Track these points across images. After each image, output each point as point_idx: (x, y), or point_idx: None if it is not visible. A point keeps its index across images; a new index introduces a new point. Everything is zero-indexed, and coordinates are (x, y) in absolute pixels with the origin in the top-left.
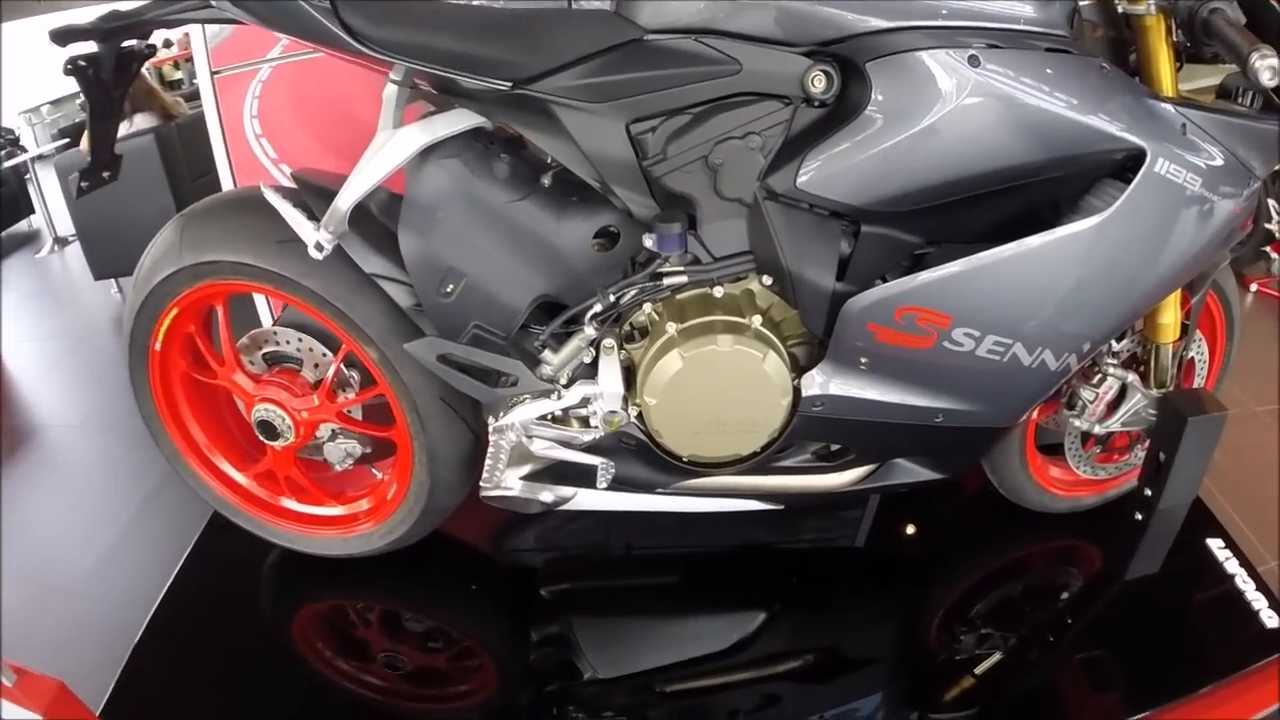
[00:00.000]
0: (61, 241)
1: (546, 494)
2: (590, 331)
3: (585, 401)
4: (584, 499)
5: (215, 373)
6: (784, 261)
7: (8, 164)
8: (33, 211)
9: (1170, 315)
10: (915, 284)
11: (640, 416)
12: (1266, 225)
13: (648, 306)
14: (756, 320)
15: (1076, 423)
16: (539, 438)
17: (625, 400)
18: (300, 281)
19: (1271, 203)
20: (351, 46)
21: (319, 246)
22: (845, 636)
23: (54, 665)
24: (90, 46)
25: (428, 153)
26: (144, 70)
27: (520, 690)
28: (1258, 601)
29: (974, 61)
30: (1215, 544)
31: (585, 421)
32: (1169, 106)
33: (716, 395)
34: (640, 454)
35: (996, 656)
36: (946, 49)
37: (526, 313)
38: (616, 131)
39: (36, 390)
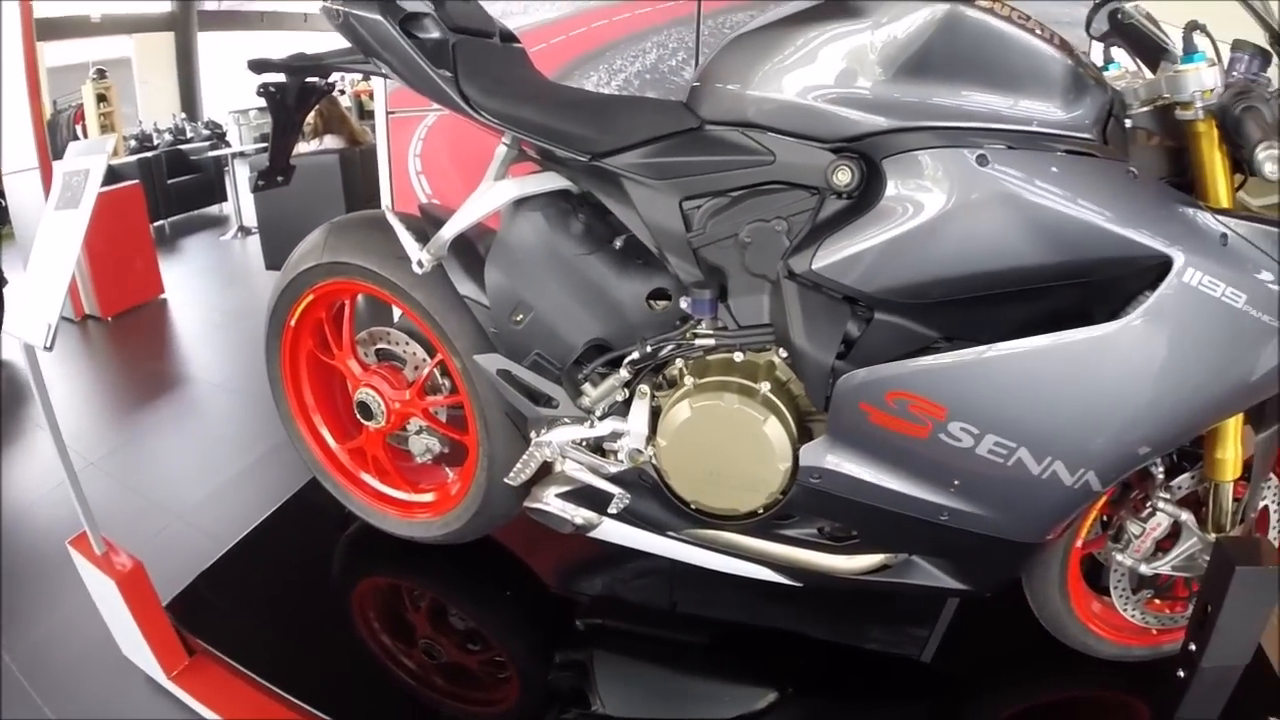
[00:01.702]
0: (245, 230)
1: (578, 517)
2: (625, 374)
3: (615, 435)
4: (608, 529)
5: (334, 355)
6: (792, 335)
7: (211, 154)
8: (224, 199)
9: (1228, 451)
10: (908, 369)
11: (656, 456)
12: None
13: (679, 361)
14: (766, 386)
15: (1120, 557)
16: (571, 459)
17: (648, 440)
18: (410, 292)
19: None
20: (467, 112)
21: (420, 264)
22: None
23: (143, 560)
24: (280, 77)
25: (520, 204)
26: (345, 98)
27: (530, 705)
28: None
29: (982, 161)
30: None
31: (613, 454)
32: (1209, 215)
33: (719, 448)
34: (655, 493)
35: None
36: (957, 148)
37: (581, 350)
38: (671, 206)
39: (192, 349)
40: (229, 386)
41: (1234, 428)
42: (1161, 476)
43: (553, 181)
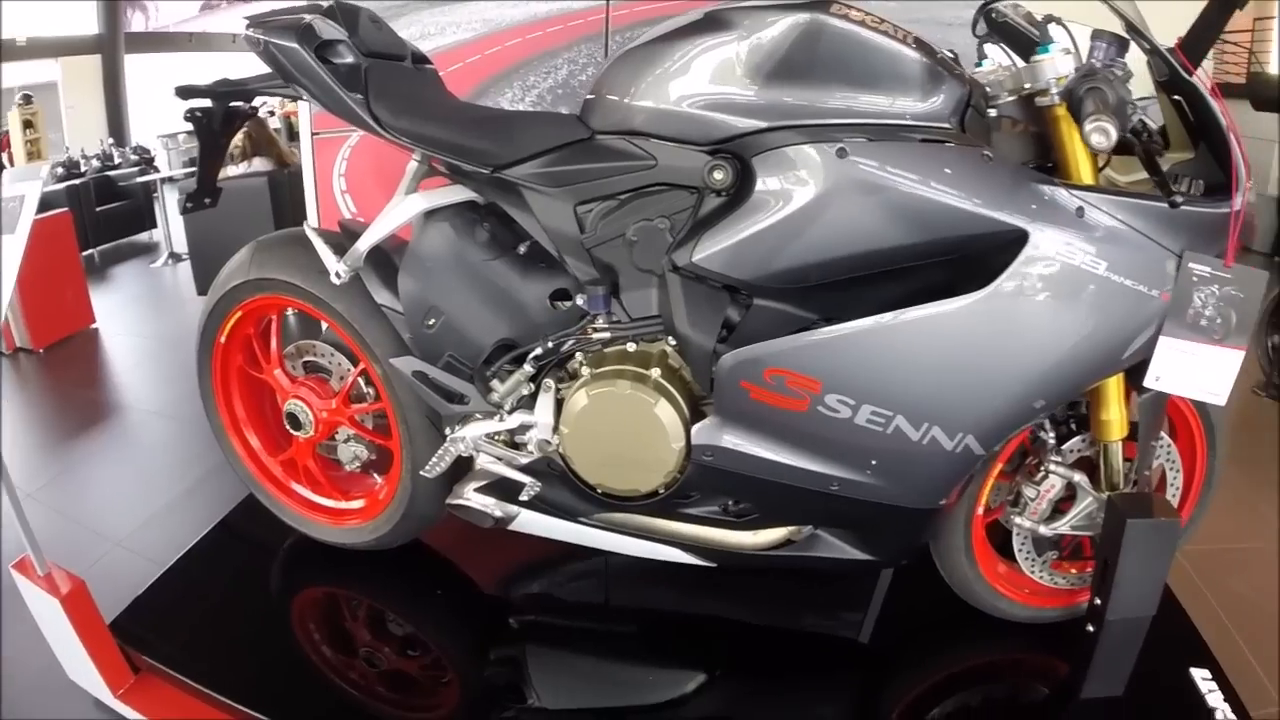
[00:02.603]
0: (175, 257)
1: (496, 509)
2: (529, 369)
3: (524, 427)
4: (526, 520)
5: (263, 369)
6: (677, 324)
7: (140, 179)
8: (154, 226)
9: (1112, 412)
10: (781, 347)
11: (561, 445)
12: None
13: (579, 355)
14: (657, 373)
15: (1019, 520)
16: (484, 452)
17: (553, 430)
18: (331, 304)
19: None
20: (377, 131)
21: (338, 275)
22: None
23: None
24: (206, 102)
25: (429, 216)
26: (275, 119)
27: (470, 706)
28: None
29: (841, 153)
30: (1200, 674)
31: (523, 445)
32: (1063, 191)
33: (616, 432)
34: (564, 480)
35: None
36: (817, 143)
37: (490, 349)
38: (566, 211)
39: (126, 377)
40: (164, 412)
41: (1115, 390)
42: (1053, 441)
43: (459, 193)
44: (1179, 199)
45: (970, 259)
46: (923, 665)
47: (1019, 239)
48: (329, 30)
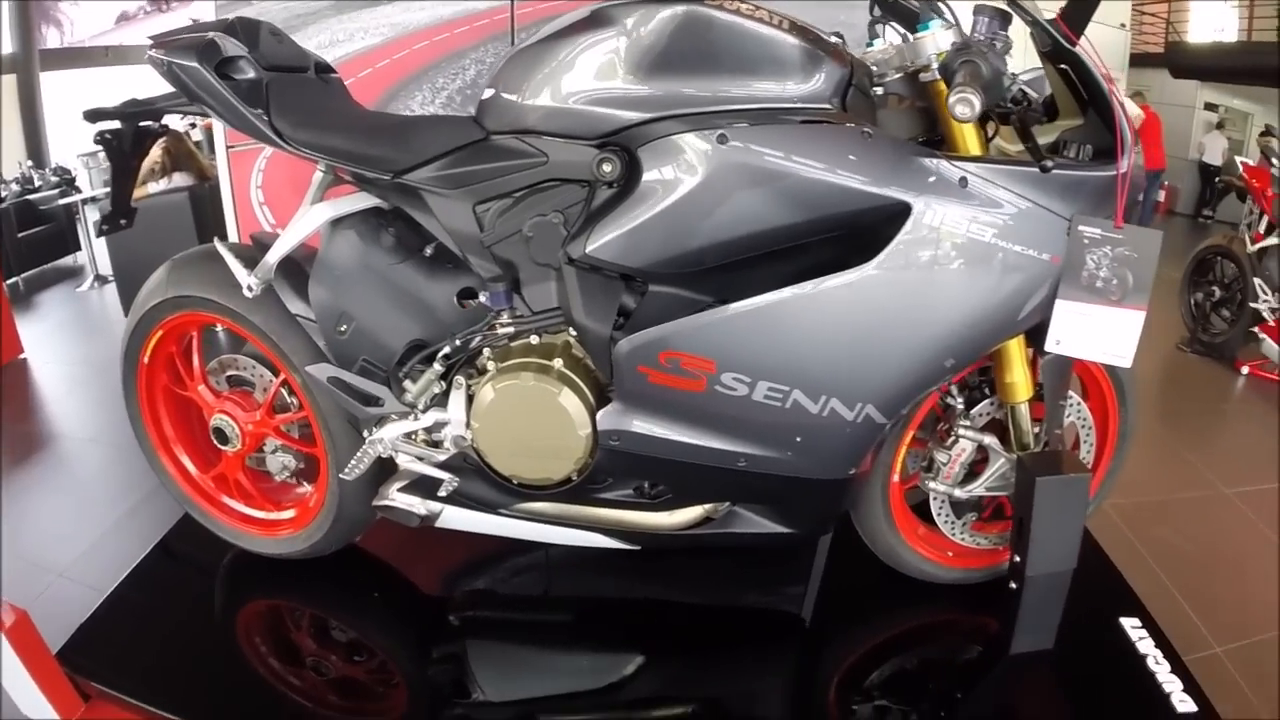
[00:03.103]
0: (101, 279)
1: (420, 508)
2: (439, 368)
3: (439, 425)
4: (451, 516)
5: (187, 386)
6: (574, 315)
7: (61, 201)
8: (78, 249)
9: (1016, 374)
10: (673, 329)
11: (474, 439)
12: (1253, 305)
13: (487, 351)
14: (559, 363)
15: (933, 485)
16: (403, 452)
17: (466, 425)
18: (248, 317)
19: (1258, 282)
20: (280, 145)
21: (250, 289)
22: (723, 697)
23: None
24: (115, 124)
25: (336, 224)
26: (197, 131)
27: (418, 707)
28: (1170, 684)
29: (722, 139)
30: (1130, 623)
31: (439, 443)
32: (945, 162)
33: (524, 423)
34: (480, 474)
35: None
36: (698, 131)
37: (402, 351)
38: (466, 211)
39: (59, 406)
40: (100, 439)
41: (1016, 353)
42: (962, 406)
43: (364, 200)
44: (1049, 164)
45: (862, 234)
46: (860, 632)
47: (903, 212)
48: (230, 47)
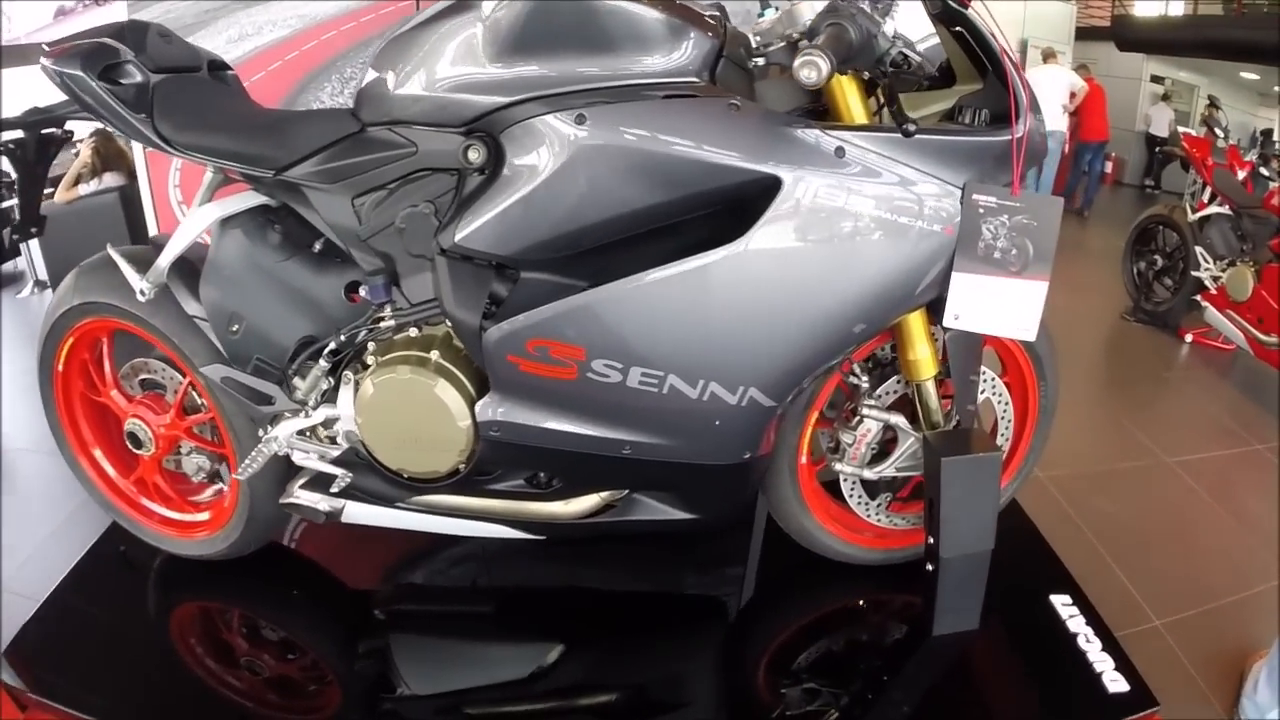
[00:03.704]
0: (41, 284)
1: (322, 504)
2: (324, 364)
3: (330, 421)
4: (353, 512)
5: (100, 391)
6: (445, 305)
7: None
8: (17, 254)
9: (918, 351)
10: (538, 318)
11: (360, 434)
12: (1195, 274)
13: (372, 345)
14: (436, 355)
15: (839, 466)
16: (298, 450)
17: (354, 420)
18: (149, 320)
19: (1199, 250)
20: (163, 149)
21: (142, 293)
22: (653, 681)
23: None
24: (18, 133)
25: (225, 223)
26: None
27: (347, 701)
28: (1101, 663)
29: (580, 120)
30: (1060, 600)
31: (333, 439)
32: (819, 132)
33: (404, 417)
34: (372, 469)
35: (801, 709)
36: (556, 112)
37: (294, 348)
38: (345, 205)
39: None
40: (39, 448)
41: (917, 329)
42: (866, 385)
43: (252, 199)
44: (911, 128)
45: (738, 212)
46: (787, 615)
47: (774, 186)
48: (116, 52)
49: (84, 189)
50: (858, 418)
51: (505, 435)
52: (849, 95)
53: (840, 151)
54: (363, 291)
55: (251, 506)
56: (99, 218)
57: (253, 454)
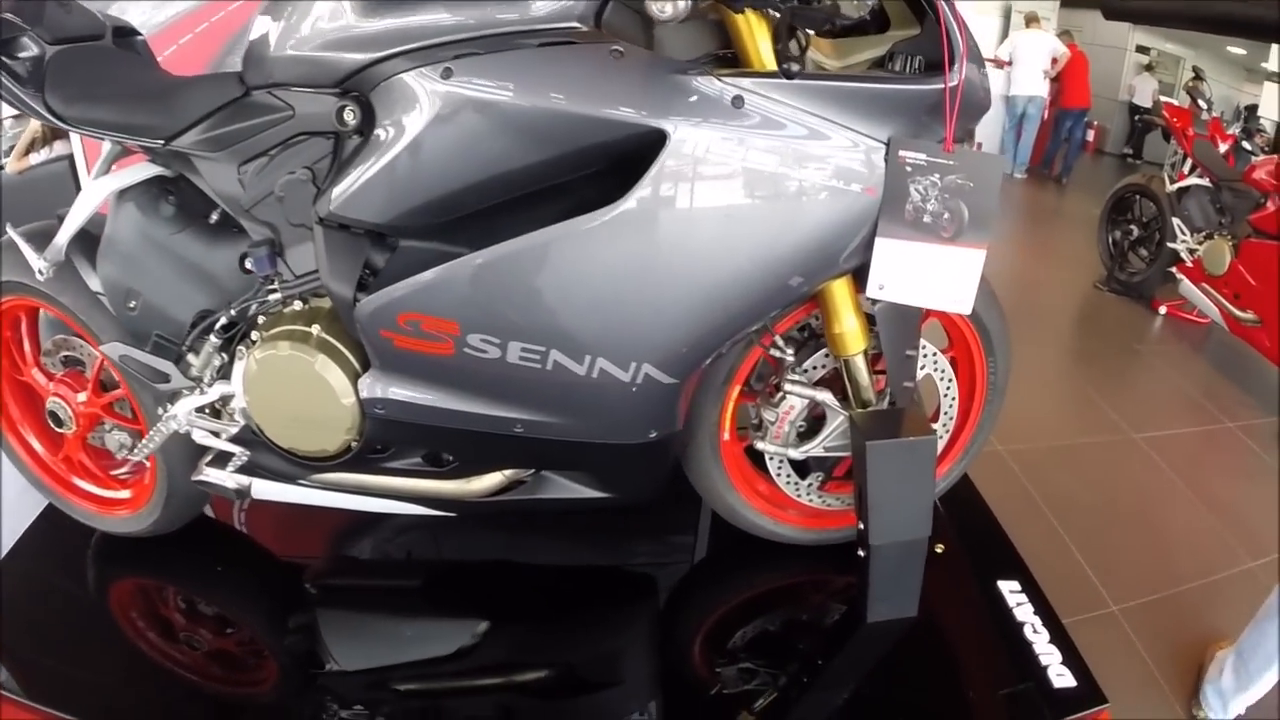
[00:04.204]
0: None
1: (230, 481)
2: (215, 340)
3: (226, 398)
4: (263, 489)
5: (22, 370)
6: (322, 277)
7: None
8: None
9: (844, 324)
10: (405, 290)
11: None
12: (1171, 245)
13: (262, 319)
14: (317, 329)
15: (763, 445)
16: (196, 427)
17: (245, 398)
18: (59, 298)
19: (1176, 222)
20: (53, 123)
21: (41, 272)
22: (584, 659)
23: None
24: None
25: (120, 196)
26: None
27: (282, 676)
28: (1048, 655)
29: (447, 74)
30: (1008, 586)
31: (231, 416)
32: (713, 80)
33: (287, 394)
34: (268, 446)
35: (734, 689)
36: (422, 67)
37: (191, 323)
38: (231, 174)
39: None
40: None
41: (842, 300)
42: (792, 358)
43: (146, 170)
44: (793, 68)
45: (631, 170)
46: (722, 593)
47: (660, 140)
48: (9, 27)
49: (35, 158)
50: (780, 394)
51: (391, 413)
52: (757, 38)
53: (738, 101)
54: (248, 263)
55: (170, 483)
56: (50, 188)
57: (150, 433)
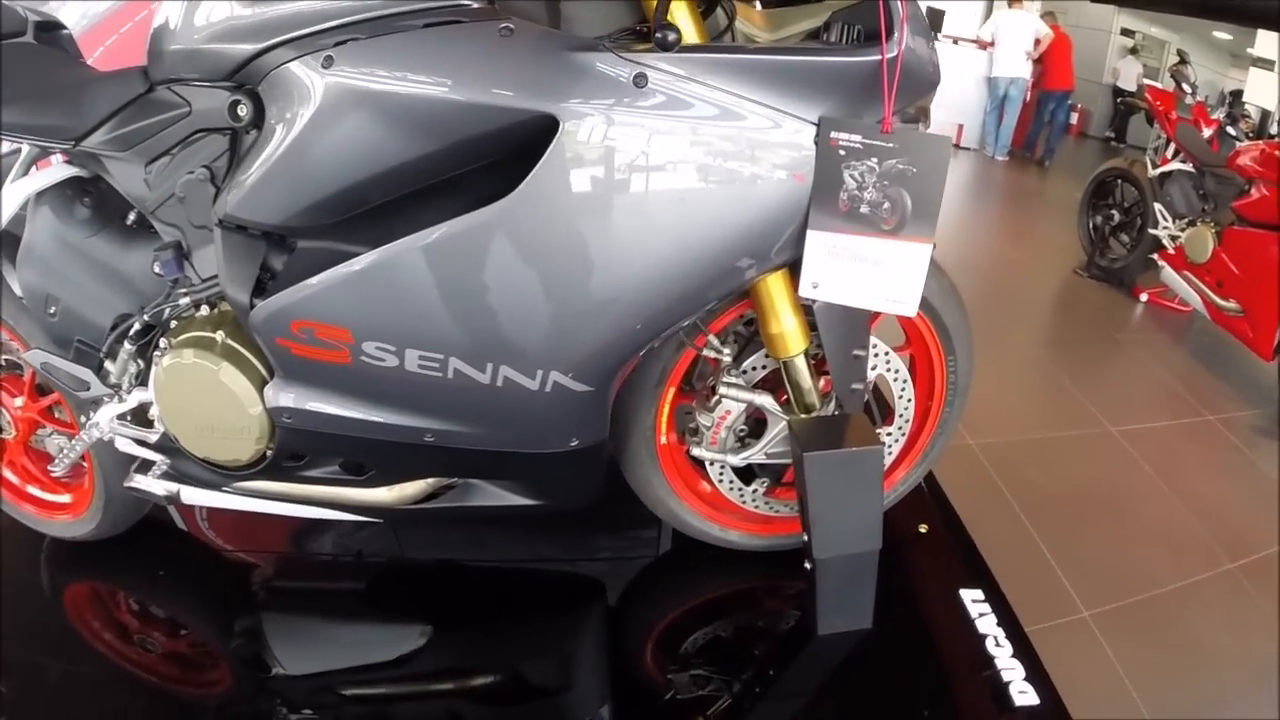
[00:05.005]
0: None
1: (158, 488)
2: (130, 346)
3: (145, 405)
4: (190, 495)
5: None
6: (221, 281)
7: None
8: None
9: (782, 324)
10: (296, 296)
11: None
12: (1153, 231)
13: (174, 324)
14: (222, 335)
15: (698, 451)
16: (118, 435)
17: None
18: None
19: (1158, 207)
20: None
21: None
22: (534, 662)
23: None
24: None
25: (38, 198)
26: None
27: (215, 678)
28: (1010, 671)
29: (328, 62)
30: (971, 595)
31: (150, 423)
32: (612, 57)
33: (193, 403)
34: (187, 455)
35: (687, 694)
36: (304, 56)
37: (110, 328)
38: (138, 173)
39: None
40: None
41: (778, 296)
42: (729, 359)
43: (61, 171)
44: (670, 36)
45: (515, 160)
46: (685, 595)
47: (552, 127)
48: None
49: None
50: (715, 397)
51: (298, 422)
52: (679, 12)
53: (640, 80)
54: (156, 266)
55: (107, 488)
56: None
57: (72, 442)
